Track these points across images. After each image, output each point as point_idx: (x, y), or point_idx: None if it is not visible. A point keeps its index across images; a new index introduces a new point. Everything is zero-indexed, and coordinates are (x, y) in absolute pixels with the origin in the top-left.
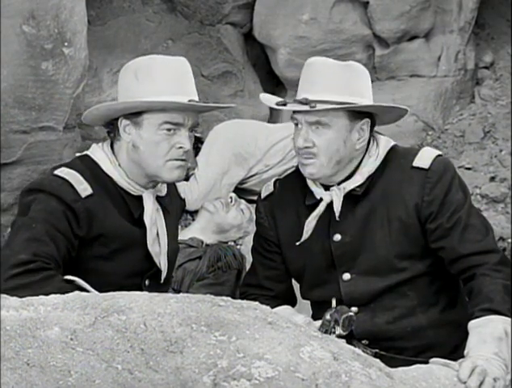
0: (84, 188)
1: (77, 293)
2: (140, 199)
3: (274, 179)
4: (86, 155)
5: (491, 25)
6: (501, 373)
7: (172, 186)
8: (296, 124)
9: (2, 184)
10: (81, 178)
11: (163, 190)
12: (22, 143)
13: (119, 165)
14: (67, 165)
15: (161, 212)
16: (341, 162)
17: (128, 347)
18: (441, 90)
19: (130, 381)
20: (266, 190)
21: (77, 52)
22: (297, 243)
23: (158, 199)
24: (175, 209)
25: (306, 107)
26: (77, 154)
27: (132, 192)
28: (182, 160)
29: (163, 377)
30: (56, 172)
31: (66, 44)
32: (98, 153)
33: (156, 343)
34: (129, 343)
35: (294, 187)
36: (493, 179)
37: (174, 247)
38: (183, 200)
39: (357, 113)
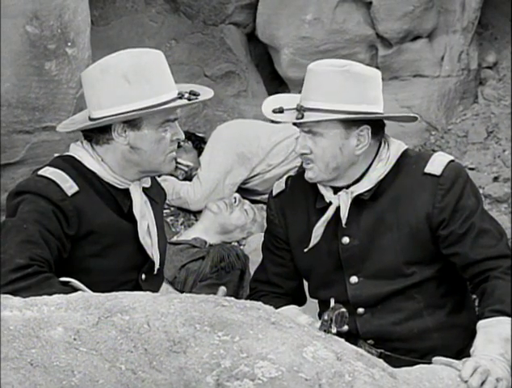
0: (70, 186)
1: (80, 293)
2: (127, 192)
3: (286, 177)
4: (67, 155)
5: (494, 25)
6: (504, 374)
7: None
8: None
9: (5, 184)
10: (66, 176)
11: (148, 181)
12: (25, 143)
13: (103, 160)
14: (50, 164)
15: (149, 205)
16: (339, 168)
17: (132, 347)
18: (444, 90)
19: (133, 381)
20: (278, 187)
21: (81, 53)
22: (305, 250)
23: (144, 190)
24: (160, 200)
25: (297, 115)
26: (56, 155)
27: (119, 186)
28: (174, 150)
29: (166, 377)
30: (41, 172)
31: (69, 44)
32: (80, 151)
33: (159, 343)
34: (132, 343)
35: (305, 187)
36: (496, 179)
37: (162, 237)
38: (163, 189)
39: (353, 120)
